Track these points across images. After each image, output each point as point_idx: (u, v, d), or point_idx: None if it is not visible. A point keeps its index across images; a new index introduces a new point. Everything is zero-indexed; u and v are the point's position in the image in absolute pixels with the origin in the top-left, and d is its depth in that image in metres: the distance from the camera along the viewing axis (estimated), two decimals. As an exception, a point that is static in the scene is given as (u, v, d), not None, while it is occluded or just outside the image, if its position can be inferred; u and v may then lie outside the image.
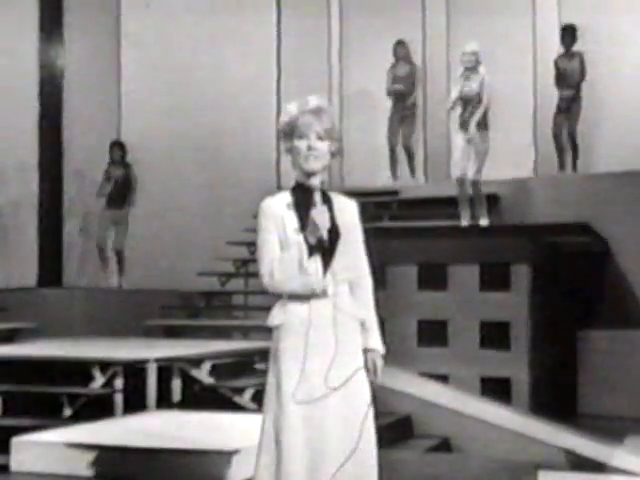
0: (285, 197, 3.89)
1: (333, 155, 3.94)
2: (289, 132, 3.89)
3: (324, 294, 3.81)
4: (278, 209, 3.84)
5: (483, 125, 10.45)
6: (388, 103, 12.40)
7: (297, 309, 3.81)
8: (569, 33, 11.62)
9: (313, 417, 3.74)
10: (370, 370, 3.89)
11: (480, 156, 10.34)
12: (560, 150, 11.66)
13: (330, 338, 3.80)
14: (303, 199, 3.84)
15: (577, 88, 11.50)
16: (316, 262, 3.76)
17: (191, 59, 13.16)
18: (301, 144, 3.86)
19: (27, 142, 12.83)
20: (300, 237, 3.77)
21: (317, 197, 3.80)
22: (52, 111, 13.24)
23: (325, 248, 3.78)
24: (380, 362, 3.92)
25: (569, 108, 11.50)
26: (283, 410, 3.74)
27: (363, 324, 3.92)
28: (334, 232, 3.81)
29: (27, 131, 12.84)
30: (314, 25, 13.30)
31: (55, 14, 13.51)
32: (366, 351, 3.91)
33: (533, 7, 12.26)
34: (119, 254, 12.18)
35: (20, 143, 12.70)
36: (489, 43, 11.00)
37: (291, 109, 3.92)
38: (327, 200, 3.88)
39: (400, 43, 12.35)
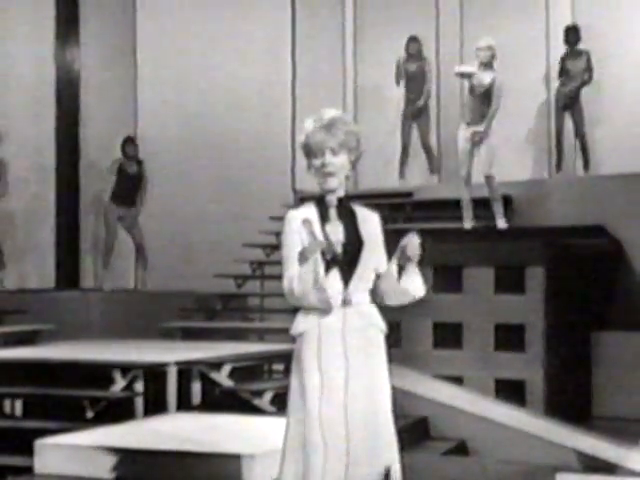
0: (308, 210, 3.95)
1: (354, 164, 4.01)
2: (306, 152, 3.97)
3: (348, 303, 3.89)
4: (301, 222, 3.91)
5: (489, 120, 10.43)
6: (400, 100, 12.40)
7: (321, 317, 3.89)
8: (572, 33, 11.59)
9: (338, 419, 3.82)
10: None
11: (490, 150, 10.32)
12: (559, 150, 11.65)
13: (356, 344, 3.89)
14: (323, 213, 3.91)
15: (581, 87, 11.47)
16: (332, 278, 3.85)
17: (206, 60, 13.21)
18: (316, 162, 3.93)
19: (44, 143, 12.91)
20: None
21: (332, 213, 3.87)
22: (69, 112, 13.33)
23: (341, 262, 3.86)
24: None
25: (573, 107, 11.48)
26: (309, 414, 3.81)
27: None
28: (352, 244, 3.88)
29: (44, 132, 12.91)
30: (328, 24, 13.32)
31: (71, 16, 13.59)
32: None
33: (546, 3, 12.24)
34: (140, 250, 12.15)
35: (37, 144, 12.78)
36: (502, 40, 10.96)
37: (307, 127, 3.98)
38: (348, 214, 3.94)
39: (413, 39, 12.30)
